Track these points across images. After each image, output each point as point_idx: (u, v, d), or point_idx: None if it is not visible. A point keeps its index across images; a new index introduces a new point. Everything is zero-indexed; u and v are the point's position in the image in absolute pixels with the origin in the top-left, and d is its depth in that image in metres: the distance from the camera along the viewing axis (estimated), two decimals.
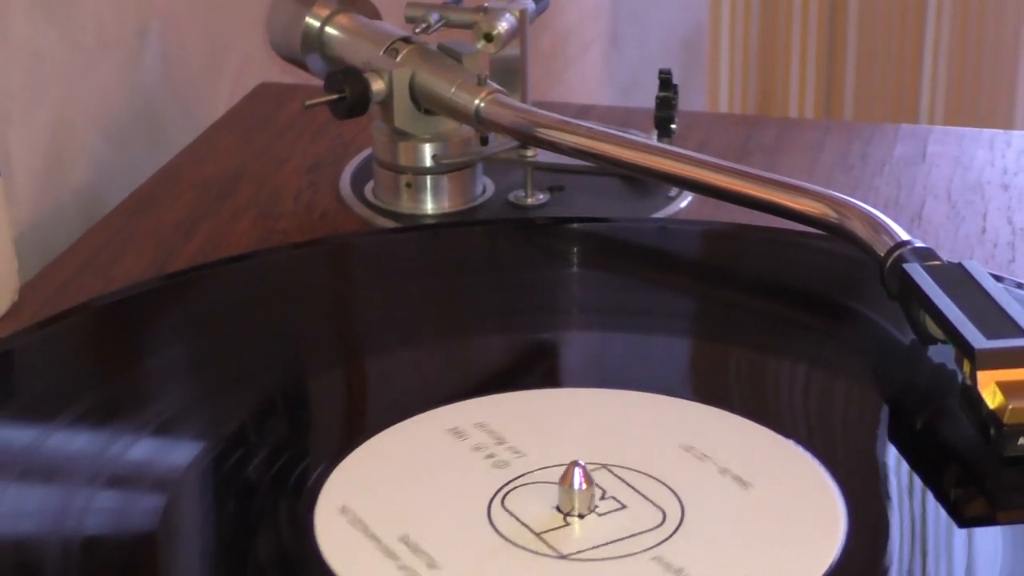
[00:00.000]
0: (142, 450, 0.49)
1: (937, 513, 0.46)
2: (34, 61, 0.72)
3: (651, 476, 0.47)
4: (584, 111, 0.78)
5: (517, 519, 0.45)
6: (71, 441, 0.49)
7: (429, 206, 0.68)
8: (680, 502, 0.45)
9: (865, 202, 0.58)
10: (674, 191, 0.69)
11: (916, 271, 0.53)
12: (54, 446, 0.49)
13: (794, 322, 0.57)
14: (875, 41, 1.62)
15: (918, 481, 0.48)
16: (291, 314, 0.58)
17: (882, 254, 0.55)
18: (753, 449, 0.48)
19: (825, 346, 0.56)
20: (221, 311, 0.58)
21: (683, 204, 0.68)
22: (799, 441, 0.48)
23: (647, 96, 0.74)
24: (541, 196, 0.69)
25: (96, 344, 0.57)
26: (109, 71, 0.77)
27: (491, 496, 0.46)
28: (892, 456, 0.50)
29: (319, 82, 0.70)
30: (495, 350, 0.56)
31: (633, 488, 0.46)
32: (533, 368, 0.55)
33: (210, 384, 0.53)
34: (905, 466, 0.49)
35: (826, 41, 1.62)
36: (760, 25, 1.66)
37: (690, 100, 1.94)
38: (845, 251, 0.59)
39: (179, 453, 0.48)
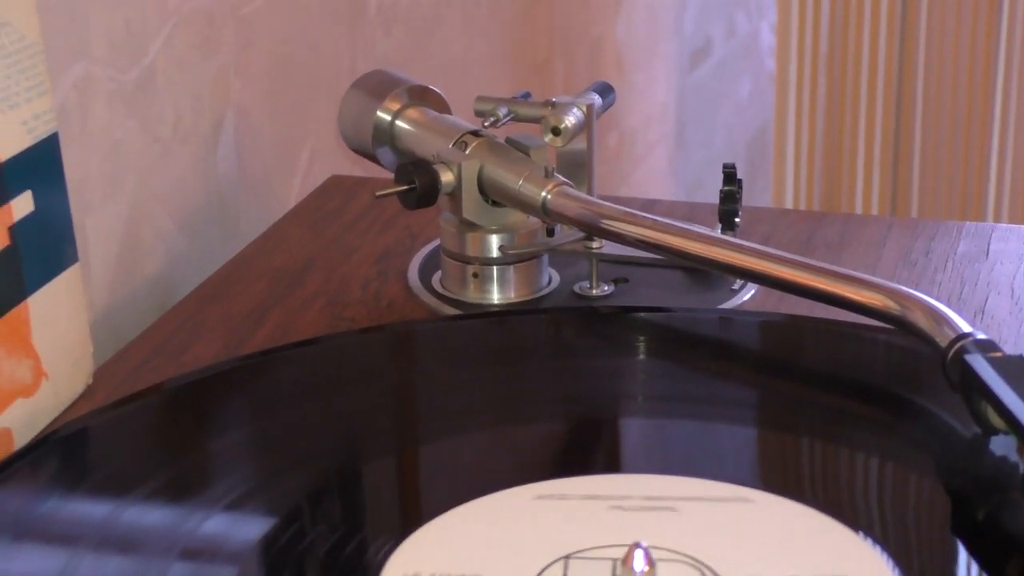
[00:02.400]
0: (214, 525, 0.49)
1: None
2: (113, 151, 0.74)
3: (708, 566, 0.47)
4: (649, 205, 0.79)
5: None
6: (145, 516, 0.50)
7: (495, 296, 0.69)
8: None
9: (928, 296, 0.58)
10: (738, 284, 0.70)
11: (978, 362, 0.53)
12: (129, 520, 0.50)
13: (856, 414, 0.58)
14: (941, 139, 1.63)
15: (983, 573, 0.48)
16: (357, 398, 0.59)
17: (944, 345, 0.55)
18: (814, 538, 0.49)
19: (886, 438, 0.56)
20: (289, 394, 0.59)
21: (746, 297, 0.69)
22: (860, 531, 0.49)
23: (712, 197, 0.75)
24: (606, 287, 0.70)
25: (168, 424, 0.58)
26: (184, 162, 0.79)
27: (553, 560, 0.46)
28: (955, 548, 0.50)
29: (389, 174, 0.71)
30: (558, 436, 0.57)
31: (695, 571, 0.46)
32: (595, 453, 0.56)
33: (278, 464, 0.54)
34: (968, 558, 0.49)
35: (892, 138, 1.63)
36: (825, 123, 1.67)
37: (755, 199, 1.95)
38: (906, 344, 0.59)
39: (249, 528, 0.49)
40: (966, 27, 1.60)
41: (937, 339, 0.56)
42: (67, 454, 0.55)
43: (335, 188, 0.83)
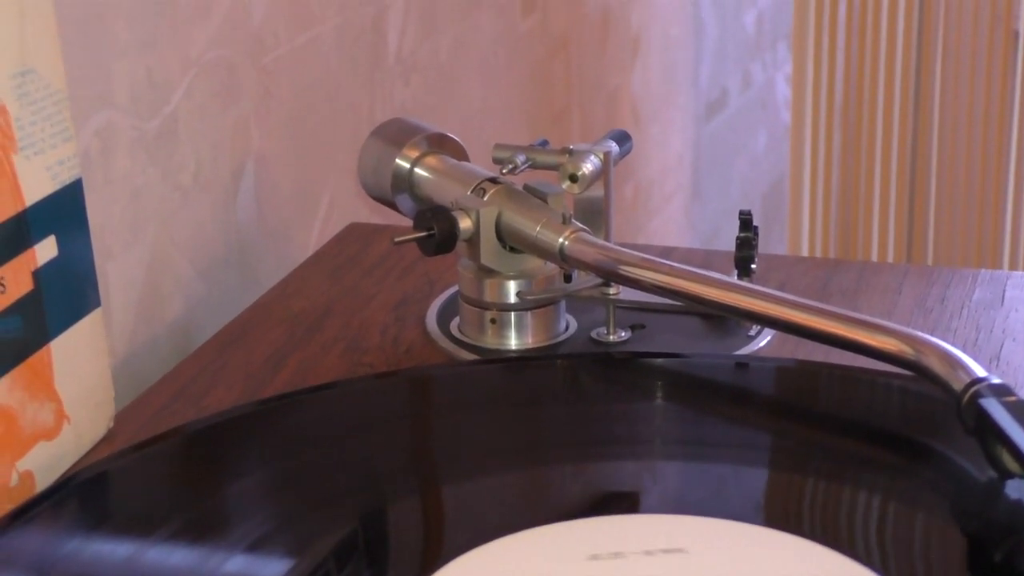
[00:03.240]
0: (235, 566, 0.50)
1: None
2: (134, 198, 0.75)
3: None
4: (665, 253, 0.79)
5: None
6: (166, 557, 0.51)
7: (513, 342, 0.70)
8: None
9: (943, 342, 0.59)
10: (754, 330, 0.70)
11: (993, 406, 0.53)
12: (150, 562, 0.50)
13: (872, 458, 0.58)
14: (956, 187, 1.63)
15: None
16: (375, 441, 0.59)
17: (959, 390, 0.55)
18: None
19: (902, 481, 0.56)
20: (308, 437, 0.60)
21: (763, 343, 0.69)
22: (877, 572, 0.49)
23: (728, 247, 0.75)
24: (623, 333, 0.70)
25: (188, 466, 0.58)
26: (205, 209, 0.80)
27: None
28: None
29: (407, 222, 0.72)
30: (574, 479, 0.58)
31: None
32: (613, 495, 0.56)
33: (298, 505, 0.54)
34: None
35: (907, 188, 1.63)
36: (841, 174, 1.68)
37: (770, 249, 1.96)
38: (922, 389, 0.59)
39: (270, 569, 0.50)
40: (980, 77, 1.61)
41: (952, 383, 0.56)
42: (88, 497, 0.56)
43: (354, 235, 0.84)
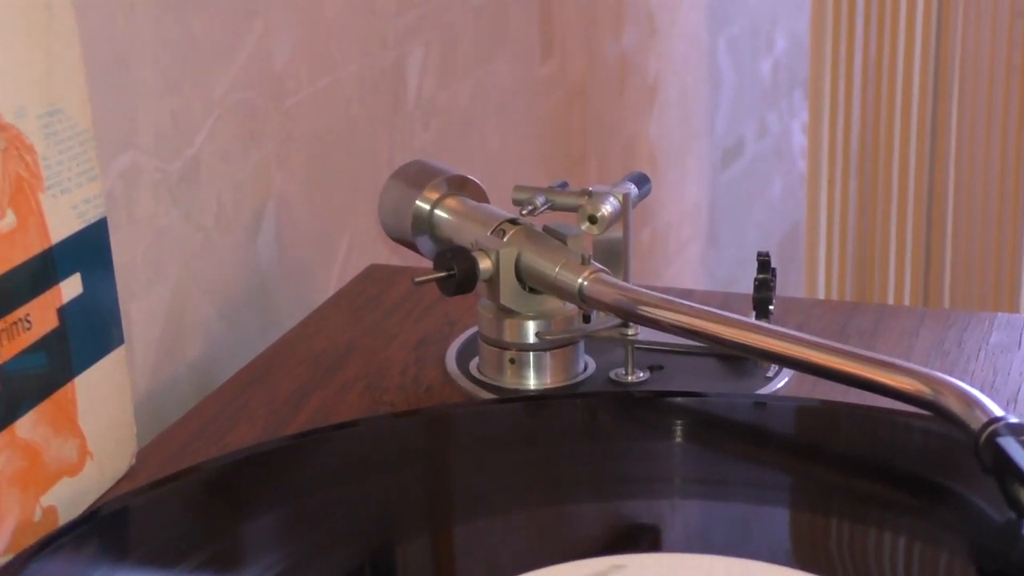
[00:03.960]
0: None
1: None
2: (157, 239, 0.75)
3: None
4: (684, 295, 0.79)
5: None
6: None
7: (532, 382, 0.70)
8: None
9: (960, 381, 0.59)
10: (772, 371, 0.70)
11: (1011, 445, 0.54)
12: None
13: (890, 498, 0.58)
14: (973, 232, 1.63)
15: None
16: (395, 479, 0.59)
17: (977, 429, 0.56)
18: None
19: (921, 521, 0.57)
20: (329, 474, 0.60)
21: (781, 384, 0.70)
22: None
23: (745, 294, 0.76)
24: (641, 374, 0.71)
25: (210, 502, 0.59)
26: (226, 250, 0.81)
27: None
28: None
29: (427, 264, 0.72)
30: (594, 517, 0.58)
31: None
32: (632, 533, 0.57)
33: (318, 541, 0.55)
34: None
35: (923, 235, 1.64)
36: (857, 221, 1.68)
37: (787, 295, 1.95)
38: (939, 428, 0.60)
39: None
40: (996, 123, 1.62)
41: (970, 423, 0.56)
42: (111, 531, 0.56)
43: (374, 276, 0.85)
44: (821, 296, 1.80)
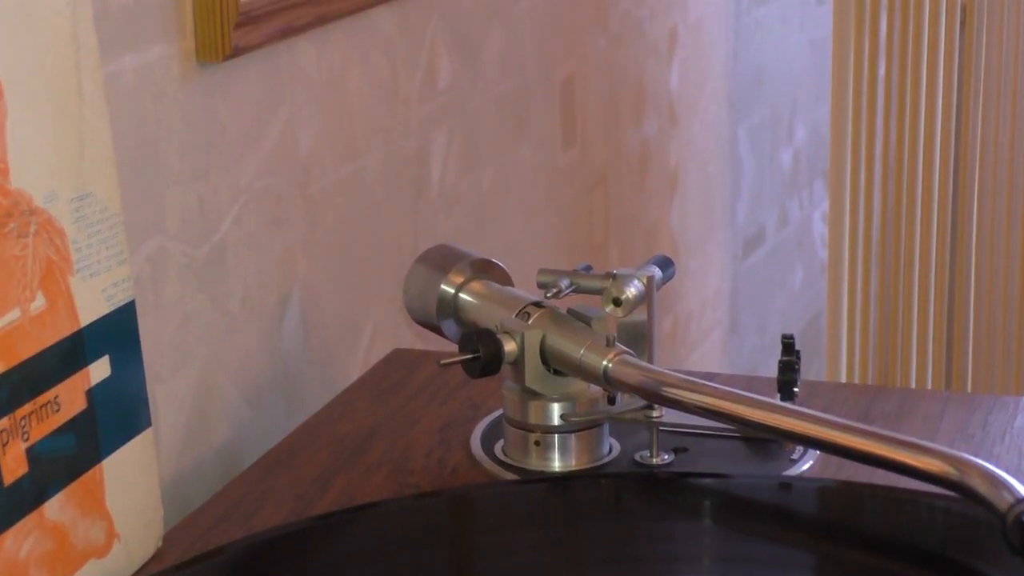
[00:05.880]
0: None
1: None
2: (183, 323, 0.76)
3: None
4: (708, 378, 0.79)
5: None
6: None
7: (557, 464, 0.70)
8: None
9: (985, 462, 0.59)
10: (797, 453, 0.70)
11: None
12: None
13: None
14: (995, 318, 1.63)
15: None
16: (419, 559, 0.60)
17: (1004, 509, 0.56)
18: None
19: None
20: (355, 554, 0.60)
21: (805, 467, 0.70)
22: None
23: (767, 382, 0.76)
24: (666, 456, 0.71)
25: None
26: (251, 335, 0.81)
27: None
28: None
29: (451, 348, 0.72)
30: None
31: None
32: None
33: None
34: None
35: (944, 322, 1.64)
36: (878, 310, 1.68)
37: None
38: (965, 510, 0.59)
39: None
40: (1017, 211, 1.62)
41: (997, 503, 0.56)
42: None
43: (398, 360, 0.85)
44: (843, 379, 1.79)
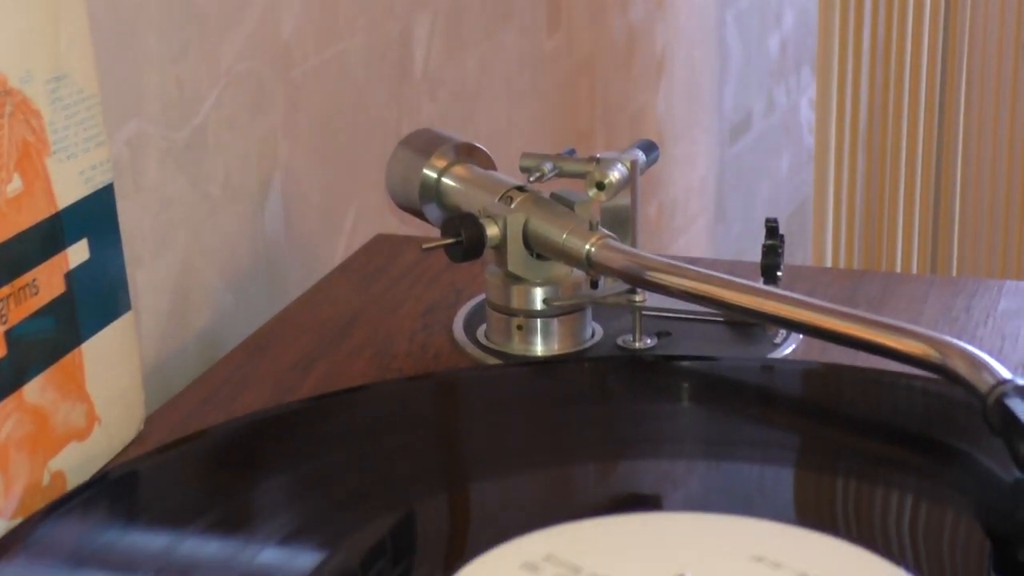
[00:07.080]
0: (264, 559, 0.50)
1: None
2: (164, 207, 0.75)
3: None
4: (691, 262, 0.79)
5: None
6: (199, 549, 0.51)
7: (539, 348, 0.70)
8: None
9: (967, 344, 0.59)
10: (780, 337, 0.70)
11: (1018, 406, 0.54)
12: (184, 552, 0.51)
13: (898, 459, 0.58)
14: (981, 202, 1.63)
15: None
16: (401, 442, 0.60)
17: (984, 391, 0.56)
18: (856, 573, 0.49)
19: (928, 482, 0.57)
20: (336, 438, 0.60)
21: (788, 351, 0.70)
22: (902, 565, 0.49)
23: (752, 268, 0.75)
24: (649, 340, 0.70)
25: (219, 466, 0.59)
26: (233, 219, 0.81)
27: None
28: None
29: (434, 233, 0.72)
30: (601, 479, 0.58)
31: None
32: (639, 494, 0.57)
33: (325, 504, 0.55)
34: None
35: (930, 208, 1.64)
36: (864, 197, 1.68)
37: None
38: (947, 391, 0.60)
39: (298, 564, 0.50)
40: (1005, 97, 1.61)
41: (978, 385, 0.56)
42: (120, 495, 0.56)
43: (381, 245, 0.84)
44: (828, 264, 1.79)
